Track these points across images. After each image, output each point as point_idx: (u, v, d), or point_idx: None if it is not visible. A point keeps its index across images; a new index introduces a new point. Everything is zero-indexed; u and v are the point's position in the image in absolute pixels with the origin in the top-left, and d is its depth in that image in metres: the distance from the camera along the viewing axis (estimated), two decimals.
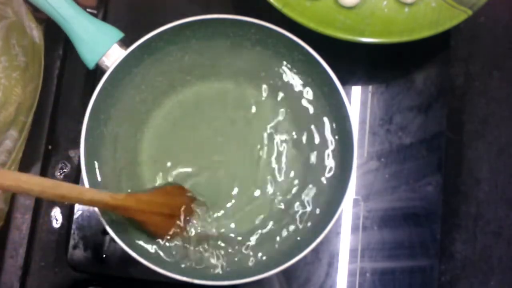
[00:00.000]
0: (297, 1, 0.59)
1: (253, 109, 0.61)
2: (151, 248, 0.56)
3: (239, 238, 0.59)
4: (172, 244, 0.56)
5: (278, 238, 0.58)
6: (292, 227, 0.58)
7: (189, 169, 0.60)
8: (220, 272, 0.56)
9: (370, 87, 0.66)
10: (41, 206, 0.63)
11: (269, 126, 0.61)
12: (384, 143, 0.65)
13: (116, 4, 0.67)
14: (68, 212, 0.63)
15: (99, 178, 0.57)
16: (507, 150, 0.67)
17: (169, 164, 0.60)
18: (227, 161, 0.60)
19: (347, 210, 0.63)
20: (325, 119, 0.60)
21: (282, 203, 0.59)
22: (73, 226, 0.62)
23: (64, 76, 0.65)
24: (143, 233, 0.56)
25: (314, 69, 0.58)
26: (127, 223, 0.56)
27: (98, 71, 0.58)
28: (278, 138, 0.61)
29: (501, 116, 0.68)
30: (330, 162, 0.59)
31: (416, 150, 0.65)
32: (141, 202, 0.53)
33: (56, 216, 0.63)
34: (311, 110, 0.60)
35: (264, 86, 0.61)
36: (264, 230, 0.59)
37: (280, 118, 0.61)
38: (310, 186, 0.59)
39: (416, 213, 0.63)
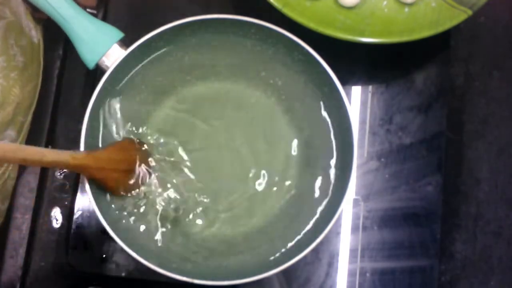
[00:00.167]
0: (297, 1, 0.59)
1: (253, 109, 0.61)
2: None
3: (239, 237, 0.59)
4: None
5: (278, 238, 0.58)
6: (291, 227, 0.59)
7: (188, 169, 0.60)
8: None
9: (370, 87, 0.66)
10: (41, 206, 0.63)
11: (269, 126, 0.61)
12: (384, 143, 0.65)
13: (116, 4, 0.67)
14: (68, 212, 0.63)
15: None
16: (507, 150, 0.67)
17: (167, 163, 0.60)
18: (227, 161, 0.60)
19: (347, 210, 0.63)
20: (325, 119, 0.60)
21: (281, 203, 0.59)
22: (73, 226, 0.62)
23: (64, 76, 0.65)
24: (103, 189, 0.56)
25: (314, 69, 0.58)
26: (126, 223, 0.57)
27: (98, 71, 0.58)
28: (278, 138, 0.61)
29: (501, 116, 0.68)
30: (330, 162, 0.59)
31: (416, 150, 0.65)
32: (99, 160, 0.54)
33: (56, 216, 0.63)
34: (311, 110, 0.60)
35: (264, 86, 0.61)
36: (263, 229, 0.59)
37: (280, 118, 0.61)
38: (310, 186, 0.59)
39: (416, 213, 0.63)
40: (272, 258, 0.57)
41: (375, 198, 0.64)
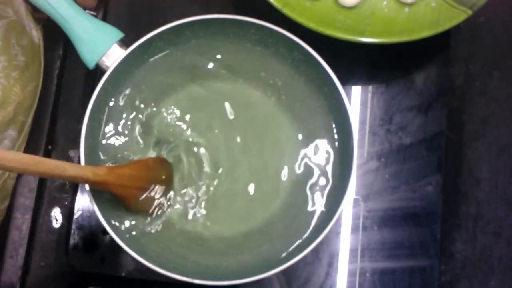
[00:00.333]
0: (297, 1, 0.59)
1: (253, 109, 0.61)
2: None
3: (239, 237, 0.59)
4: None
5: (278, 238, 0.58)
6: (292, 227, 0.59)
7: (187, 167, 0.60)
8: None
9: (370, 87, 0.66)
10: (41, 206, 0.63)
11: (268, 126, 0.61)
12: (384, 143, 0.65)
13: (116, 4, 0.67)
14: (68, 212, 0.63)
15: None
16: (507, 150, 0.67)
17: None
18: (226, 161, 0.60)
19: (347, 210, 0.63)
20: (325, 119, 0.60)
21: (281, 202, 0.59)
22: (73, 226, 0.62)
23: (64, 76, 0.65)
24: (122, 207, 0.56)
25: (314, 69, 0.58)
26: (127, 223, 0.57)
27: (98, 71, 0.58)
28: (278, 138, 0.61)
29: (501, 116, 0.68)
30: (330, 162, 0.59)
31: (416, 150, 0.65)
32: (120, 177, 0.53)
33: (56, 216, 0.63)
34: (311, 110, 0.60)
35: (264, 86, 0.61)
36: (263, 229, 0.59)
37: (280, 118, 0.61)
38: (310, 186, 0.59)
39: (416, 213, 0.63)
40: (272, 258, 0.57)
41: (375, 198, 0.64)
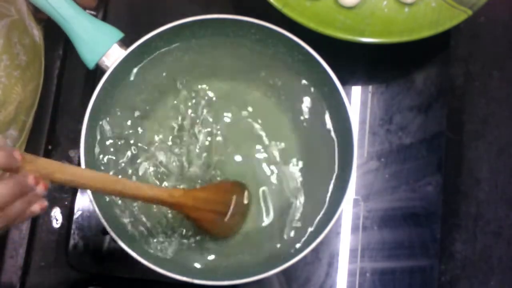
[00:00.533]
0: (297, 1, 0.59)
1: (253, 109, 0.61)
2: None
3: (239, 237, 0.59)
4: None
5: (278, 237, 0.58)
6: (291, 227, 0.59)
7: (189, 166, 0.60)
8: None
9: (370, 87, 0.66)
10: None
11: (269, 126, 0.61)
12: (384, 143, 0.65)
13: (116, 4, 0.67)
14: (68, 212, 0.63)
15: None
16: (507, 150, 0.67)
17: (168, 160, 0.60)
18: (227, 161, 0.60)
19: (347, 210, 0.63)
20: (325, 119, 0.60)
21: (281, 202, 0.59)
22: (73, 226, 0.62)
23: (64, 76, 0.65)
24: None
25: (314, 69, 0.58)
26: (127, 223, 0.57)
27: (98, 71, 0.58)
28: (278, 138, 0.61)
29: (501, 116, 0.68)
30: (330, 162, 0.59)
31: (416, 150, 0.65)
32: (196, 200, 0.54)
33: (56, 216, 0.63)
34: (311, 110, 0.60)
35: (264, 86, 0.61)
36: (263, 228, 0.59)
37: (280, 118, 0.61)
38: (310, 185, 0.59)
39: (416, 213, 0.63)
40: (272, 258, 0.57)
41: (375, 198, 0.64)
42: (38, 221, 0.62)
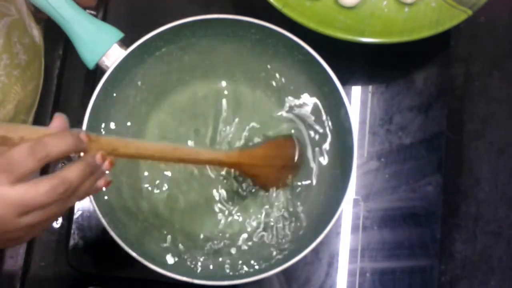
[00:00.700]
0: (297, 1, 0.59)
1: (253, 109, 0.61)
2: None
3: (238, 237, 0.59)
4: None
5: (278, 237, 0.58)
6: (291, 227, 0.59)
7: (188, 168, 0.60)
8: None
9: (370, 87, 0.66)
10: None
11: (269, 126, 0.61)
12: (384, 143, 0.65)
13: (116, 4, 0.67)
14: (68, 212, 0.62)
15: None
16: (507, 150, 0.67)
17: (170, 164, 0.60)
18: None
19: (347, 210, 0.63)
20: (325, 119, 0.60)
21: (281, 202, 0.59)
22: (73, 226, 0.62)
23: (64, 76, 0.65)
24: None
25: (314, 69, 0.58)
26: (127, 223, 0.57)
27: (98, 71, 0.58)
28: (277, 138, 0.61)
29: (501, 116, 0.68)
30: (330, 162, 0.59)
31: (416, 150, 0.64)
32: (254, 158, 0.56)
33: None
34: (311, 110, 0.60)
35: (264, 86, 0.61)
36: (265, 228, 0.59)
37: (280, 118, 0.61)
38: (310, 185, 0.59)
39: (416, 213, 0.63)
40: (272, 258, 0.57)
41: (375, 198, 0.64)
42: None
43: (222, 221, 0.59)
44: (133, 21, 0.66)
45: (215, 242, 0.59)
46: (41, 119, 0.63)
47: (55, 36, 0.64)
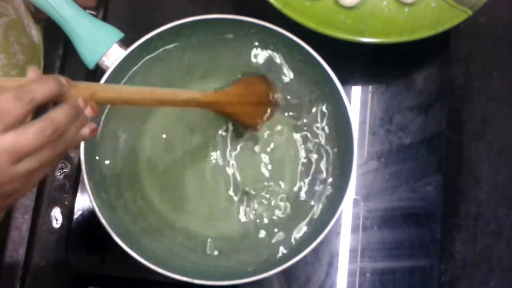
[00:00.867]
0: (297, 1, 0.59)
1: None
2: None
3: (238, 237, 0.59)
4: None
5: (278, 237, 0.58)
6: (291, 227, 0.59)
7: (189, 168, 0.60)
8: None
9: (370, 87, 0.66)
10: (41, 206, 0.63)
11: (268, 125, 0.61)
12: (384, 143, 0.65)
13: (116, 4, 0.67)
14: (68, 212, 0.63)
15: (99, 178, 0.57)
16: (507, 150, 0.67)
17: (169, 162, 0.60)
18: (228, 161, 0.60)
19: (347, 210, 0.63)
20: (325, 119, 0.60)
21: (281, 203, 0.59)
22: (73, 226, 0.62)
23: (64, 76, 0.65)
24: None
25: (314, 69, 0.58)
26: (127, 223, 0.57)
27: (98, 71, 0.58)
28: (277, 137, 0.61)
29: (501, 116, 0.68)
30: (330, 162, 0.59)
31: (416, 150, 0.64)
32: (229, 96, 0.56)
33: (56, 216, 0.63)
34: (311, 110, 0.60)
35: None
36: (264, 228, 0.59)
37: (280, 118, 0.61)
38: (310, 185, 0.59)
39: (416, 213, 0.63)
40: (272, 258, 0.57)
41: (375, 198, 0.64)
42: (38, 221, 0.62)
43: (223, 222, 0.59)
44: (133, 21, 0.66)
45: (215, 242, 0.59)
46: None
47: (55, 36, 0.64)
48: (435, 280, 0.63)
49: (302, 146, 0.60)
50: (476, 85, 0.68)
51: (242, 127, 0.60)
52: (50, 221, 0.63)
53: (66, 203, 0.63)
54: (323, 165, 0.59)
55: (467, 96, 0.68)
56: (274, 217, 0.59)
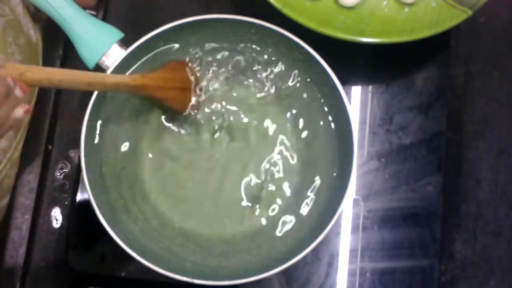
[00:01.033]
0: (297, 1, 0.59)
1: (253, 110, 0.61)
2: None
3: (238, 237, 0.59)
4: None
5: (278, 238, 0.58)
6: (291, 226, 0.59)
7: (188, 168, 0.60)
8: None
9: (370, 87, 0.66)
10: (41, 206, 0.63)
11: (268, 126, 0.61)
12: (384, 143, 0.65)
13: (116, 4, 0.67)
14: (68, 212, 0.63)
15: (99, 178, 0.57)
16: (507, 150, 0.67)
17: (169, 162, 0.60)
18: (227, 161, 0.60)
19: (347, 210, 0.63)
20: (325, 119, 0.60)
21: (281, 203, 0.59)
22: (73, 226, 0.62)
23: None
24: (166, 111, 0.60)
25: (314, 69, 0.58)
26: (127, 223, 0.57)
27: (98, 71, 0.57)
28: (278, 137, 0.61)
29: (501, 116, 0.68)
30: (330, 162, 0.59)
31: (416, 150, 0.65)
32: (156, 80, 0.56)
33: (56, 216, 0.63)
34: (311, 110, 0.60)
35: (264, 86, 0.61)
36: (263, 228, 0.59)
37: (280, 118, 0.61)
38: (310, 185, 0.59)
39: (416, 213, 0.63)
40: (272, 258, 0.57)
41: (375, 198, 0.64)
42: (38, 221, 0.62)
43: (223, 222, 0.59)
44: (133, 21, 0.66)
45: (215, 242, 0.59)
46: (41, 119, 0.63)
47: (54, 36, 0.64)
48: (435, 280, 0.63)
49: (302, 146, 0.60)
50: (476, 85, 0.68)
51: (171, 111, 0.60)
52: (50, 221, 0.63)
53: (66, 203, 0.63)
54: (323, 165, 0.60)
55: (467, 96, 0.68)
56: (275, 217, 0.59)
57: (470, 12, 0.58)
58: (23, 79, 0.43)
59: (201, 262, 0.58)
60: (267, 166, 0.60)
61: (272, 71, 0.61)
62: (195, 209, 0.60)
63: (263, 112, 0.61)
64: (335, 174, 0.59)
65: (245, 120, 0.61)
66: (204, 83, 0.61)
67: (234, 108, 0.61)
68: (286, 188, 0.60)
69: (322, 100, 0.60)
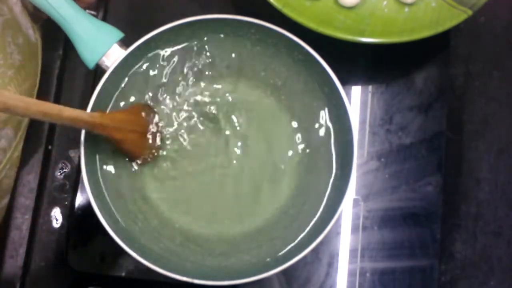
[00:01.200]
0: (297, 1, 0.59)
1: (253, 110, 0.61)
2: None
3: (238, 237, 0.59)
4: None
5: (277, 238, 0.58)
6: (291, 227, 0.59)
7: (189, 168, 0.60)
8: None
9: (370, 87, 0.66)
10: (41, 206, 0.63)
11: (268, 126, 0.61)
12: (384, 143, 0.65)
13: (116, 4, 0.67)
14: (68, 212, 0.63)
15: (99, 178, 0.57)
16: (507, 150, 0.67)
17: (169, 162, 0.60)
18: (227, 162, 0.60)
19: (347, 210, 0.63)
20: (325, 119, 0.60)
21: (281, 203, 0.59)
22: (73, 226, 0.62)
23: (64, 76, 0.65)
24: (121, 155, 0.58)
25: (314, 69, 0.58)
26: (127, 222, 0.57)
27: (98, 71, 0.57)
28: (277, 137, 0.61)
29: (501, 116, 0.68)
30: (330, 162, 0.59)
31: (416, 150, 0.65)
32: (116, 120, 0.55)
33: (56, 216, 0.63)
34: (311, 110, 0.60)
35: (264, 87, 0.61)
36: (263, 229, 0.59)
37: (280, 118, 0.61)
38: (310, 186, 0.59)
39: (416, 213, 0.63)
40: (272, 258, 0.57)
41: (375, 198, 0.64)
42: (38, 221, 0.62)
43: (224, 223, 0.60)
44: (133, 21, 0.66)
45: (215, 242, 0.59)
46: None
47: (54, 36, 0.64)
48: (435, 280, 0.63)
49: (302, 146, 0.60)
50: (476, 85, 0.68)
51: (127, 156, 0.58)
52: (50, 221, 0.63)
53: (66, 203, 0.63)
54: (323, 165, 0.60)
55: (467, 96, 0.68)
56: (275, 217, 0.59)
57: (470, 12, 0.58)
58: None
59: (201, 262, 0.58)
60: (267, 166, 0.60)
61: (272, 71, 0.61)
62: (195, 209, 0.60)
63: (263, 112, 0.61)
64: (335, 174, 0.59)
65: (244, 120, 0.61)
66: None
67: (233, 108, 0.61)
68: (286, 188, 0.60)
69: (322, 100, 0.60)
